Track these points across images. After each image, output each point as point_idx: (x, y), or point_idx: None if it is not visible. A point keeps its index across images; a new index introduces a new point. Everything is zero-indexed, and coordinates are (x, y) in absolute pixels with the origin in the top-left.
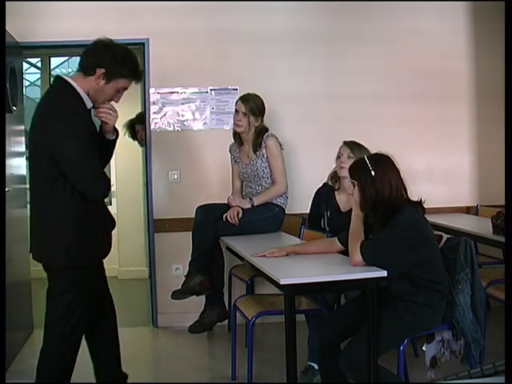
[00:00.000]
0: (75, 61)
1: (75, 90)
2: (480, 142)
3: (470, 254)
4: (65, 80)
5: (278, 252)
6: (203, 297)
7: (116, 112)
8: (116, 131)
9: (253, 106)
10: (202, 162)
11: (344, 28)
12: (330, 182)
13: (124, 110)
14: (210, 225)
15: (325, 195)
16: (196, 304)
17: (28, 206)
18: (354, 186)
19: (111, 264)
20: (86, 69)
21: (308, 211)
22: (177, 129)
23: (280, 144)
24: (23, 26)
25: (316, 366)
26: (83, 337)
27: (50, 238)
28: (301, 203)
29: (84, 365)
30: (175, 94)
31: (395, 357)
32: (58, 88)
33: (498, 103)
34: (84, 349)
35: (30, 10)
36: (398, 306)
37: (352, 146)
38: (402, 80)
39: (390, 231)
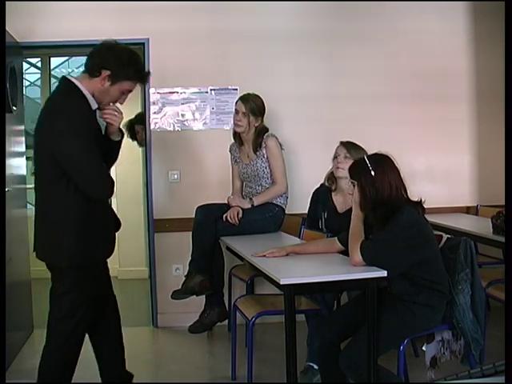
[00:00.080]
0: (75, 61)
1: (80, 90)
2: (480, 142)
3: (470, 254)
4: (70, 81)
5: (278, 252)
6: (203, 297)
7: (121, 113)
8: (121, 132)
9: (253, 105)
10: (202, 162)
11: (344, 28)
12: (326, 183)
13: (124, 110)
14: (210, 225)
15: (322, 196)
16: (196, 304)
17: (28, 206)
18: (354, 186)
19: (111, 264)
20: (91, 70)
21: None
22: (177, 129)
23: (280, 144)
24: (23, 26)
25: (316, 366)
26: (88, 337)
27: (53, 237)
28: (301, 203)
29: (90, 365)
30: (175, 94)
31: (395, 357)
32: (63, 89)
33: (498, 103)
34: (89, 349)
35: (29, 10)
36: (398, 306)
37: (348, 146)
38: (401, 80)
39: (389, 231)
